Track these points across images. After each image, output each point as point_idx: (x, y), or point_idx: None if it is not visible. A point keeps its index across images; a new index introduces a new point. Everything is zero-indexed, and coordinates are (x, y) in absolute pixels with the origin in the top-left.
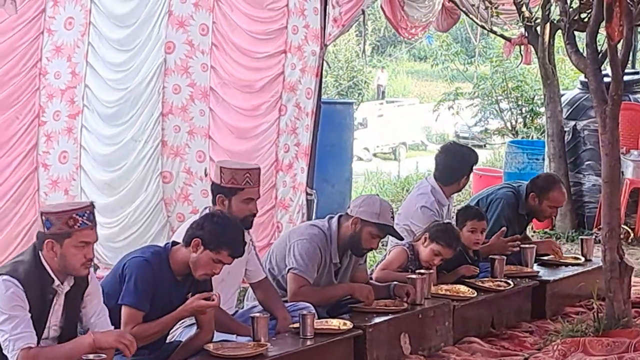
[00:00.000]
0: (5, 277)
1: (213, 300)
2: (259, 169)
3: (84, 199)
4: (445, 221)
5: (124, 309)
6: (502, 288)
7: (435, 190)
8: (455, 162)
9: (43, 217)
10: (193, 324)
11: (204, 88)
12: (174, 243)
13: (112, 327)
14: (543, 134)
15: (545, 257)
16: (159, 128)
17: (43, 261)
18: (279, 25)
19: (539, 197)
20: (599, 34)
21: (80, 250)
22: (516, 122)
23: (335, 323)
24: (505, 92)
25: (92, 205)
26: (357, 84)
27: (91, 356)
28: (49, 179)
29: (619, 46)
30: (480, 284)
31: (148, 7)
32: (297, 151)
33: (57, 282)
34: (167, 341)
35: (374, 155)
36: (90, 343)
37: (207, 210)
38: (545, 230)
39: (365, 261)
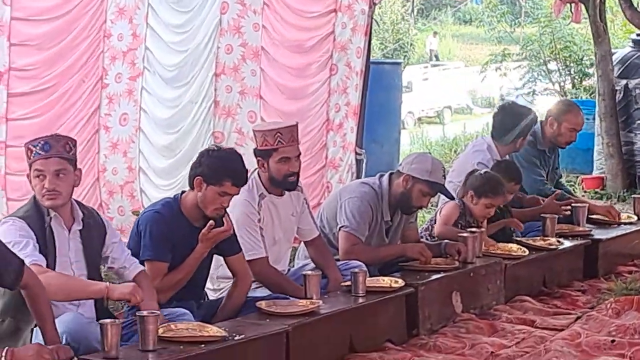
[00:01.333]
0: (6, 218)
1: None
2: (293, 126)
3: (142, 161)
4: (482, 171)
5: (146, 265)
6: (553, 247)
7: (491, 148)
8: (511, 122)
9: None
10: None
11: (255, 48)
12: (183, 192)
13: (137, 260)
14: (592, 95)
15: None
16: (212, 89)
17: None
18: None
19: (557, 121)
20: None
21: (40, 182)
22: (564, 83)
23: (386, 281)
24: (554, 53)
25: (50, 136)
26: (402, 46)
27: (145, 312)
28: (109, 142)
29: None
30: (531, 242)
31: None
32: (347, 111)
33: (53, 213)
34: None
35: (419, 119)
36: (102, 288)
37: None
38: (596, 190)
39: (416, 220)
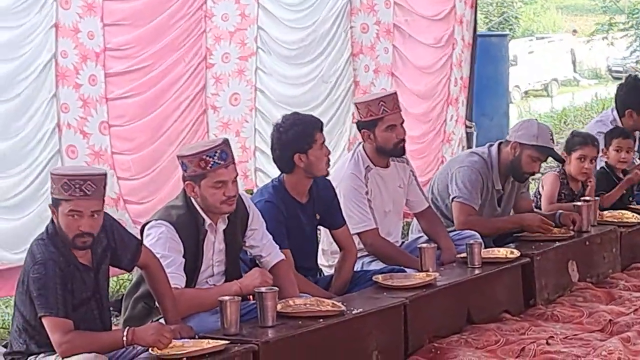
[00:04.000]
0: (158, 221)
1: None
2: (394, 94)
3: (257, 140)
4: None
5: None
6: None
7: (615, 121)
8: (634, 97)
9: (179, 161)
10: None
11: (388, 25)
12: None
13: (277, 248)
14: None
15: None
16: (350, 68)
17: (194, 202)
18: None
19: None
20: None
21: (219, 190)
22: None
23: (502, 252)
24: None
25: (225, 142)
26: (507, 19)
27: (263, 289)
28: (219, 121)
29: None
30: None
31: None
32: (461, 85)
33: (208, 221)
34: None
35: (526, 92)
36: (236, 290)
37: None
38: None
39: (528, 189)
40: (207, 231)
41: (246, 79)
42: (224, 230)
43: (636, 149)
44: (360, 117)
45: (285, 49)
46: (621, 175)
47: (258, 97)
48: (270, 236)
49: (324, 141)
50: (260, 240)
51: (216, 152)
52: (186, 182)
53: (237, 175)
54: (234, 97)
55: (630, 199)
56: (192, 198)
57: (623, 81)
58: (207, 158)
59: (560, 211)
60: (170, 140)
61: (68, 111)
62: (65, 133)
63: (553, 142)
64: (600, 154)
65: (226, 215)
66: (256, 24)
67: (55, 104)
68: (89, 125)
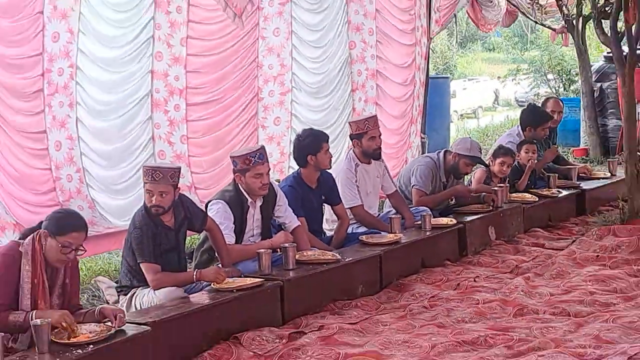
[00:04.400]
0: (217, 200)
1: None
2: (375, 116)
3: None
4: (500, 144)
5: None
6: (555, 195)
7: (519, 134)
8: (531, 117)
9: (232, 160)
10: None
11: (373, 70)
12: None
13: (295, 217)
14: (577, 94)
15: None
16: (350, 99)
17: (240, 188)
18: (413, 25)
19: (535, 127)
20: (618, 20)
21: (258, 179)
22: (558, 87)
23: (445, 220)
24: (551, 67)
25: (262, 148)
26: (448, 67)
27: (287, 244)
28: (266, 136)
29: (633, 27)
30: (540, 192)
31: (332, 16)
32: (419, 110)
33: (249, 200)
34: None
35: (461, 115)
36: (268, 245)
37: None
38: (583, 157)
39: (463, 182)
40: (249, 207)
41: (285, 108)
42: (260, 206)
43: (554, 142)
44: (352, 131)
45: (310, 87)
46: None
47: (293, 119)
48: (291, 209)
49: (328, 148)
50: (284, 212)
51: (256, 154)
52: (236, 174)
53: (269, 169)
54: (277, 120)
55: (533, 186)
56: (239, 185)
57: (525, 107)
58: (250, 158)
59: (484, 193)
60: (232, 148)
61: (159, 128)
62: (157, 142)
63: (480, 152)
64: (490, 161)
65: (262, 196)
66: (291, 71)
67: (150, 123)
68: (173, 137)
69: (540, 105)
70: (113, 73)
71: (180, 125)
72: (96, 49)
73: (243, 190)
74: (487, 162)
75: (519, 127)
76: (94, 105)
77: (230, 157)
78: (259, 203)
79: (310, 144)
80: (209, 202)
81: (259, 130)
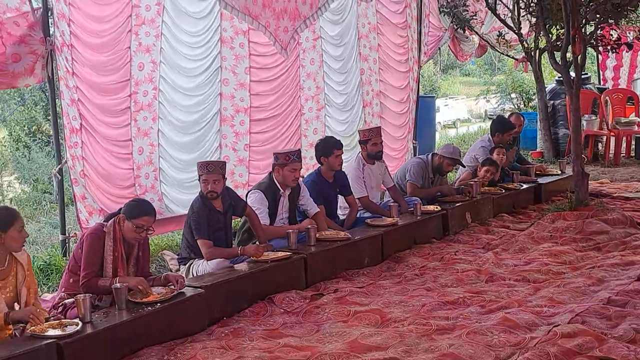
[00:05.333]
0: (255, 190)
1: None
2: (379, 127)
3: None
4: (488, 156)
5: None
6: (517, 188)
7: (490, 139)
8: (499, 126)
9: (275, 155)
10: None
11: (377, 91)
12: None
13: (315, 205)
14: (536, 109)
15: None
16: (363, 114)
17: (274, 180)
18: (407, 56)
19: (502, 133)
20: (567, 52)
21: (293, 173)
22: (519, 104)
23: (431, 207)
24: (513, 88)
25: (299, 150)
26: (434, 88)
27: (309, 226)
28: (308, 144)
29: (579, 57)
30: (505, 186)
31: (349, 49)
32: (411, 122)
33: (281, 190)
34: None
35: (443, 126)
36: (295, 228)
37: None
38: (539, 158)
39: (446, 178)
40: (280, 195)
41: (320, 121)
42: (289, 195)
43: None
44: (360, 138)
45: (337, 105)
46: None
47: (326, 130)
48: (312, 199)
49: (340, 154)
50: (307, 201)
51: (294, 153)
52: (276, 167)
53: (301, 167)
54: (314, 130)
55: (501, 181)
56: (274, 178)
57: (494, 118)
58: (290, 155)
59: (462, 186)
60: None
61: (226, 138)
62: (224, 149)
63: (460, 156)
64: (479, 167)
65: (291, 187)
66: (324, 92)
67: (219, 135)
68: (237, 146)
69: (506, 117)
70: (191, 97)
71: (245, 136)
72: (175, 77)
73: (277, 182)
74: (473, 166)
75: (489, 135)
76: (173, 121)
77: (274, 153)
78: (287, 193)
79: (324, 148)
80: (249, 191)
81: (302, 139)
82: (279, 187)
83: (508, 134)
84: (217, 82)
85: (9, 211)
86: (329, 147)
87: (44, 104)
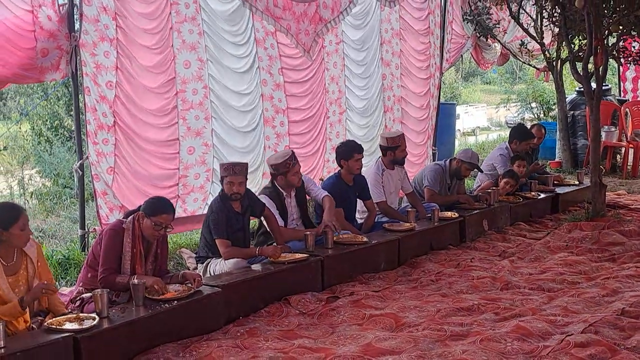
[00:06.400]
0: (262, 195)
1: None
2: (403, 134)
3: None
4: (509, 167)
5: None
6: (534, 197)
7: (508, 147)
8: (518, 134)
9: (272, 166)
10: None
11: (399, 97)
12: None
13: (323, 191)
14: (555, 119)
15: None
16: (383, 119)
17: (277, 185)
18: (428, 63)
19: (519, 140)
20: (589, 63)
21: (296, 176)
22: (539, 114)
23: (449, 214)
24: (534, 98)
25: (292, 153)
26: (454, 95)
27: (328, 230)
28: (331, 146)
29: (600, 69)
30: (523, 194)
31: (371, 54)
32: (432, 128)
33: (284, 193)
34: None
35: (463, 133)
36: (313, 232)
37: None
38: (557, 168)
39: (464, 183)
40: (285, 197)
41: (342, 125)
42: (295, 195)
43: (536, 157)
44: (388, 144)
45: (357, 109)
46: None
47: (347, 134)
48: (319, 187)
49: (360, 158)
50: (313, 188)
51: (292, 158)
52: (278, 177)
53: (300, 166)
54: (337, 134)
55: (519, 190)
56: (276, 184)
57: (514, 125)
58: (289, 162)
59: (480, 193)
60: (313, 158)
61: (269, 140)
62: (267, 151)
63: (478, 161)
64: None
65: (295, 187)
66: (345, 95)
67: (263, 136)
68: (279, 147)
69: (529, 130)
70: (241, 97)
71: (285, 137)
72: (222, 76)
73: (279, 187)
74: (493, 174)
75: (507, 142)
76: (226, 121)
77: (271, 165)
78: (293, 193)
79: (345, 152)
80: None
81: (326, 142)
82: (282, 190)
83: (526, 142)
84: (258, 83)
85: (12, 209)
86: (349, 151)
87: (66, 99)
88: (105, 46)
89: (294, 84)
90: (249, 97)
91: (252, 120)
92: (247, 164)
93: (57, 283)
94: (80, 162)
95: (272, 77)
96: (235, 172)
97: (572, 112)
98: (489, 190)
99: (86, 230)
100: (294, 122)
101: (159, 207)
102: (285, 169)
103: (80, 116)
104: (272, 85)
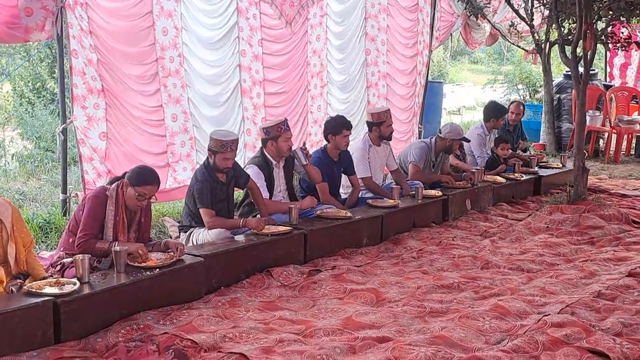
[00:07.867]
0: (251, 165)
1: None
2: (389, 109)
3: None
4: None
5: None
6: (518, 179)
7: (484, 126)
8: (493, 111)
9: (263, 130)
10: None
11: (384, 73)
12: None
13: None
14: (541, 102)
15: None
16: (366, 95)
17: (266, 154)
18: (415, 40)
19: (496, 118)
20: (578, 47)
21: (287, 142)
22: (526, 96)
23: (433, 192)
24: (521, 80)
25: (285, 120)
26: (442, 74)
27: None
28: (312, 120)
29: (589, 53)
30: (507, 175)
31: (352, 28)
32: (418, 106)
33: (274, 162)
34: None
35: (449, 112)
36: (298, 205)
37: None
38: (541, 150)
39: (448, 160)
40: (274, 167)
41: (323, 98)
42: (283, 167)
43: (521, 136)
44: (374, 120)
45: (337, 83)
46: (501, 160)
47: (328, 108)
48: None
49: (348, 135)
50: (299, 166)
51: (284, 123)
52: (269, 141)
53: (291, 135)
54: (319, 107)
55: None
56: (265, 152)
57: (487, 104)
58: (281, 126)
59: (465, 173)
60: (294, 131)
61: (247, 111)
62: (245, 122)
63: (463, 132)
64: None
65: (284, 159)
66: (326, 69)
67: (241, 107)
68: (256, 119)
69: (503, 104)
70: (212, 67)
71: (261, 109)
72: (195, 45)
73: (269, 155)
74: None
75: (482, 122)
76: (199, 91)
77: (263, 128)
78: (282, 164)
79: (334, 127)
80: (243, 167)
81: (308, 115)
82: (272, 160)
83: (502, 118)
84: (235, 54)
85: None
86: (338, 126)
87: (49, 61)
88: (83, 9)
89: (273, 56)
90: (221, 68)
91: (224, 90)
92: (237, 138)
93: (37, 247)
94: (63, 126)
95: (251, 48)
96: (232, 148)
97: (558, 95)
98: (474, 170)
99: (68, 194)
100: (270, 94)
101: (144, 178)
102: (277, 133)
103: (65, 79)
104: (251, 56)
